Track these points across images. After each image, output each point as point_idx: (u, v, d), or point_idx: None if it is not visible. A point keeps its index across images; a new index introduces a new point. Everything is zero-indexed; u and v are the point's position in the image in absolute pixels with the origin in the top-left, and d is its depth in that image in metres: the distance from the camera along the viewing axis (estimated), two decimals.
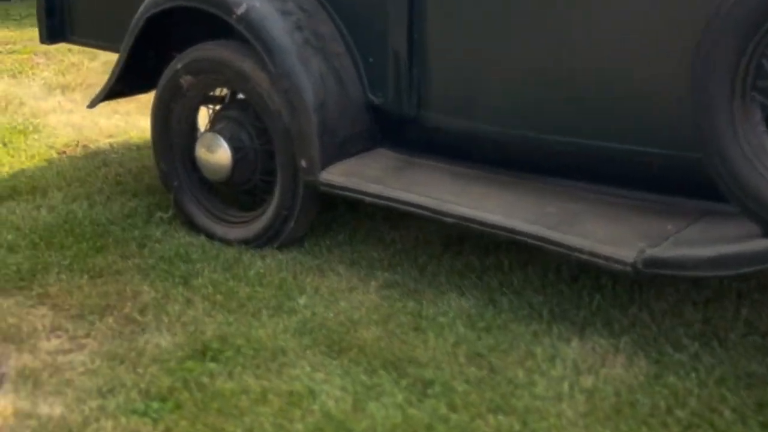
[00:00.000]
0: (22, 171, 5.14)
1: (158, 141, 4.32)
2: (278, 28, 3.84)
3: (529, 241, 3.29)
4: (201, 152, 4.15)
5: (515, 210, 3.44)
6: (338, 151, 3.87)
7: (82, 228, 4.33)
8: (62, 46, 7.98)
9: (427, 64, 3.73)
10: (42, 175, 5.04)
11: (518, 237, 3.31)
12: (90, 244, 4.17)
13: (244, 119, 4.10)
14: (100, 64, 7.48)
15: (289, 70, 3.80)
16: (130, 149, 5.49)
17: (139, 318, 3.57)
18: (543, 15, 3.41)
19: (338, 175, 3.80)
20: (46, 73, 7.30)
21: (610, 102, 3.33)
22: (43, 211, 4.55)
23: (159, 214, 4.46)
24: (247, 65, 3.94)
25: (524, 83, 3.52)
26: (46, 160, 5.33)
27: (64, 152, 5.46)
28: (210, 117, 4.29)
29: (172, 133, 4.29)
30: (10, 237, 4.26)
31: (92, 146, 5.58)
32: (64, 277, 3.91)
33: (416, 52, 3.74)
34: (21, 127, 5.87)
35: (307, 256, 4.04)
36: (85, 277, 3.91)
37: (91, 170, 5.12)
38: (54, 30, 4.87)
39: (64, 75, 7.23)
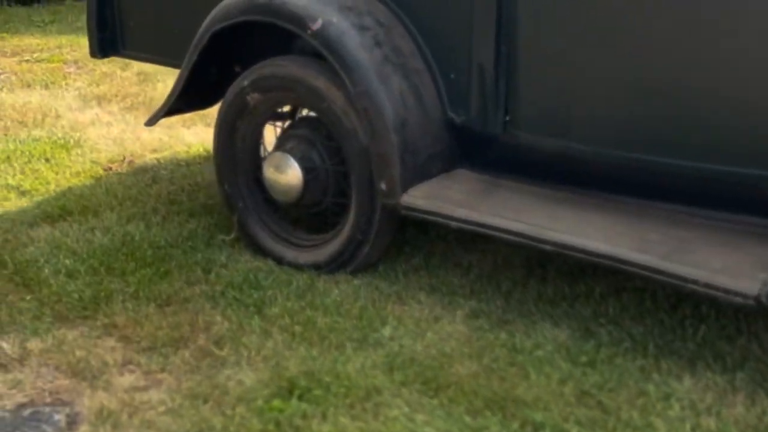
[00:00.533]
0: (70, 189, 4.95)
1: (222, 160, 4.12)
2: (356, 45, 3.64)
3: (637, 270, 3.09)
4: (269, 172, 3.96)
5: (616, 236, 3.25)
6: (419, 172, 3.67)
7: (142, 252, 4.14)
8: None
9: (516, 79, 3.53)
10: (91, 194, 4.85)
11: (625, 267, 3.12)
12: (153, 270, 3.98)
13: (314, 138, 3.91)
14: (133, 74, 7.30)
15: (368, 88, 3.60)
16: (179, 165, 5.30)
17: (215, 351, 3.38)
18: (648, 23, 3.21)
19: (421, 199, 3.60)
20: (79, 84, 7.11)
21: (722, 120, 3.14)
22: (98, 234, 4.36)
23: (221, 236, 4.27)
24: (321, 83, 3.74)
25: (625, 98, 3.32)
26: (92, 177, 5.14)
27: (111, 168, 5.27)
28: (277, 135, 4.09)
29: (237, 152, 4.10)
30: (67, 262, 4.06)
31: (138, 162, 5.39)
32: (129, 305, 3.72)
33: (504, 66, 3.54)
34: (62, 142, 5.68)
35: (383, 282, 3.84)
36: (152, 305, 3.72)
37: (142, 188, 4.92)
38: (105, 43, 4.67)
39: (98, 85, 7.04)
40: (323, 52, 3.67)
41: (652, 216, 3.36)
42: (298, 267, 3.97)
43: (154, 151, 5.58)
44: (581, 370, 3.16)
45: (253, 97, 3.95)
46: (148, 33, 4.60)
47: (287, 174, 3.90)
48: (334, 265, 3.91)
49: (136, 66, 7.42)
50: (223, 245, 4.22)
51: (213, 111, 6.10)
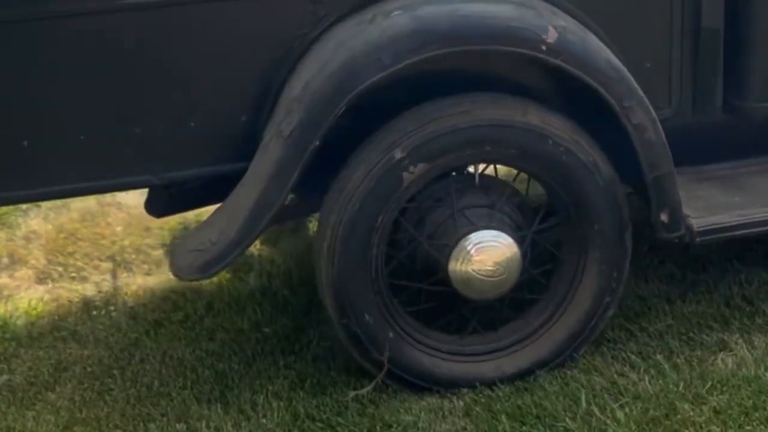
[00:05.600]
0: None
1: (353, 281, 2.76)
2: (598, 48, 2.74)
3: None
4: (465, 267, 2.78)
5: None
6: None
7: None
8: None
9: (747, 49, 2.99)
10: None
11: None
12: None
13: (494, 201, 2.85)
14: None
15: (638, 100, 2.74)
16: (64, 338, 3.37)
17: None
18: None
19: (709, 216, 2.89)
20: None
21: None
22: None
23: (351, 393, 2.89)
24: (534, 117, 2.73)
25: None
26: None
27: None
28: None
29: (374, 260, 2.78)
30: None
31: None
32: None
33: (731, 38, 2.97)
34: None
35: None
36: None
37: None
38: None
39: None
40: (569, 70, 2.66)
41: None
42: (512, 379, 2.89)
43: None
44: None
45: (413, 172, 2.70)
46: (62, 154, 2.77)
47: (500, 255, 2.78)
48: (567, 353, 2.94)
49: None
50: (363, 403, 2.86)
51: None
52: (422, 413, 2.78)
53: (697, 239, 2.85)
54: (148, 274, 3.88)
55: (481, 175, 2.90)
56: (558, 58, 2.64)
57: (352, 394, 2.87)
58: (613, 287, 2.89)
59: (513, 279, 2.81)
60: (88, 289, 3.78)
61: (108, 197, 4.35)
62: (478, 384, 2.87)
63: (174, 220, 4.18)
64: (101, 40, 2.68)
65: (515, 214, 2.86)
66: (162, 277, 3.82)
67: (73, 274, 3.92)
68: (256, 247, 3.77)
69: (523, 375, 2.90)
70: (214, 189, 3.02)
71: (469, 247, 2.77)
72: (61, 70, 2.67)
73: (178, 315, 3.44)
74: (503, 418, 2.71)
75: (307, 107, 2.60)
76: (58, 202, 4.61)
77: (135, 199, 4.25)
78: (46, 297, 3.73)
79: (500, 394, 2.84)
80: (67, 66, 2.68)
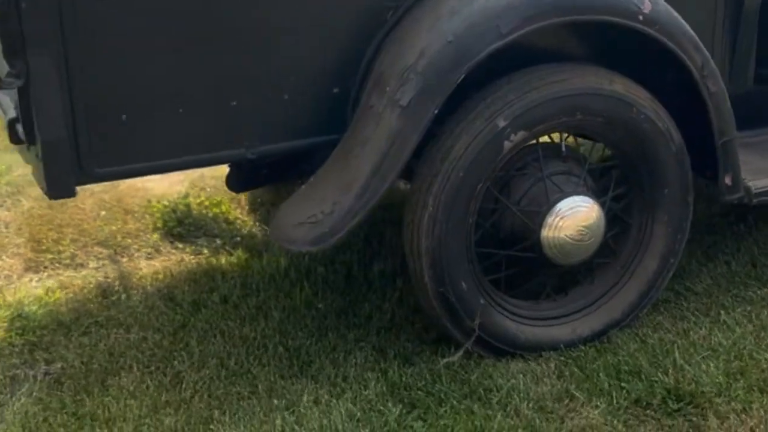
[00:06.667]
0: None
1: (450, 250, 2.80)
2: (680, 19, 2.89)
3: None
4: (555, 233, 2.88)
5: None
6: None
7: None
8: None
9: None
10: None
11: None
12: None
13: (573, 168, 2.97)
14: None
15: (713, 67, 2.91)
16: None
17: None
18: None
19: (761, 179, 3.11)
20: None
21: None
22: None
23: (443, 361, 2.93)
24: (620, 86, 2.86)
25: None
26: None
27: None
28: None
29: (469, 229, 2.84)
30: None
31: None
32: None
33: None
34: None
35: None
36: None
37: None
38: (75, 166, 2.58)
39: None
40: (662, 40, 2.80)
41: None
42: (588, 340, 3.02)
43: None
44: None
45: (512, 140, 2.77)
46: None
47: (588, 220, 2.90)
48: (635, 313, 3.08)
49: None
50: (454, 370, 2.91)
51: None
52: (519, 376, 2.84)
53: (755, 200, 3.04)
54: (150, 258, 3.76)
55: (558, 143, 2.98)
56: (653, 28, 2.77)
57: (443, 361, 2.90)
58: (676, 249, 3.04)
59: (597, 243, 2.92)
60: (92, 276, 3.62)
61: None
62: (562, 346, 2.95)
63: (159, 204, 4.07)
64: (198, 13, 2.60)
65: (591, 181, 2.97)
66: (171, 260, 3.71)
67: (68, 261, 3.75)
68: None
69: (598, 336, 3.01)
70: (293, 164, 2.99)
71: (561, 213, 2.85)
72: (158, 42, 2.57)
73: (215, 296, 3.35)
74: (601, 376, 2.81)
75: (426, 76, 2.61)
76: (12, 189, 4.41)
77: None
78: (52, 285, 3.55)
79: (584, 355, 2.94)
80: (164, 39, 2.58)
